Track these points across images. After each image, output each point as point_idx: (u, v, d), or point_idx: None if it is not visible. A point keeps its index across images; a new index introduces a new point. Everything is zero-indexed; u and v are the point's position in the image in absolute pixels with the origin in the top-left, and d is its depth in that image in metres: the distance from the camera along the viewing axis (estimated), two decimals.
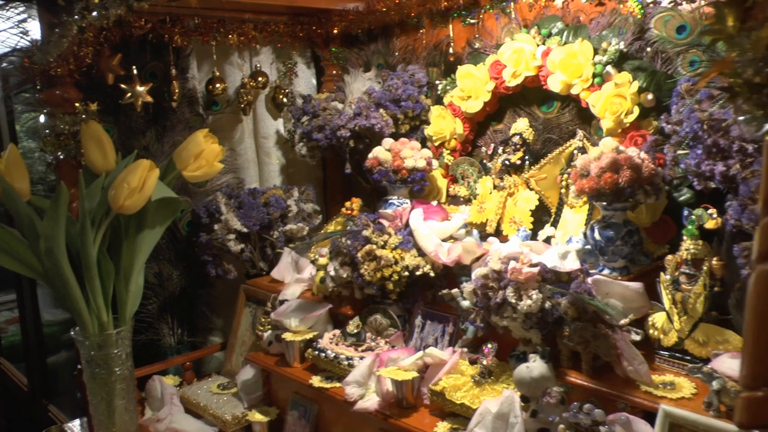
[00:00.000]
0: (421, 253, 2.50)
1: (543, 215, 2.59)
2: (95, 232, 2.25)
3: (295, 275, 2.93)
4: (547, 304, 2.02)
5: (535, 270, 2.04)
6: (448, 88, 2.93)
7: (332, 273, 2.63)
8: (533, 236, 2.49)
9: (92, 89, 2.78)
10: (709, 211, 1.93)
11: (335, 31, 3.33)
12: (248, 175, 3.49)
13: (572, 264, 2.09)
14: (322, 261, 2.73)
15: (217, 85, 3.24)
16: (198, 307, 3.35)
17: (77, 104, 2.61)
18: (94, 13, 2.33)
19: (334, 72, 3.47)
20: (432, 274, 2.47)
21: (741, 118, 0.94)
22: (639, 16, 2.40)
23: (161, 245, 3.12)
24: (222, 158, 2.82)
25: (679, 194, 2.24)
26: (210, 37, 3.17)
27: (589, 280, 2.06)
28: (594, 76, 2.40)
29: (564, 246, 2.20)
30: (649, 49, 2.36)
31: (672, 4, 2.36)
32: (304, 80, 3.61)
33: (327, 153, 3.19)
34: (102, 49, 2.78)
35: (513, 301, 2.03)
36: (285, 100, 3.46)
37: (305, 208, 3.22)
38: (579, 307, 2.00)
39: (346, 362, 2.43)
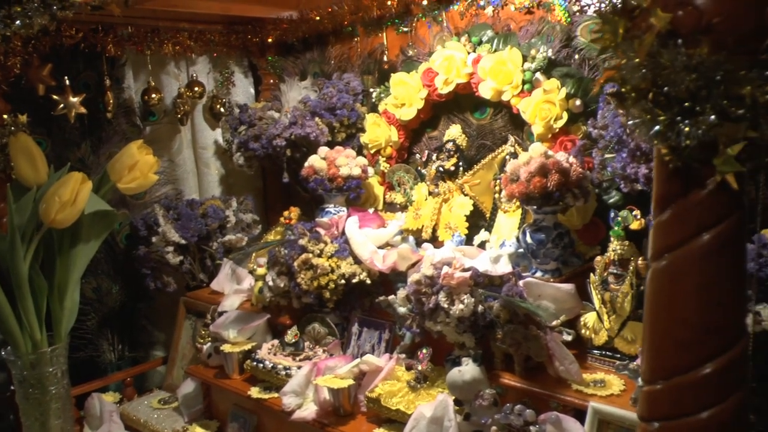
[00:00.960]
0: (357, 261, 2.51)
1: (479, 220, 2.62)
2: (26, 248, 2.20)
3: (234, 286, 2.91)
4: (479, 308, 2.04)
5: (467, 275, 2.06)
6: (382, 95, 2.95)
7: (270, 283, 2.62)
8: (468, 241, 2.50)
9: (22, 100, 2.72)
10: (634, 213, 1.97)
11: (270, 40, 3.33)
12: (187, 186, 3.45)
13: (504, 267, 2.12)
14: (261, 271, 2.72)
15: (153, 95, 3.20)
16: (139, 321, 3.31)
17: (5, 116, 2.55)
18: (18, 22, 2.28)
19: (272, 81, 3.47)
20: (368, 281, 2.48)
21: (631, 122, 0.96)
22: (566, 24, 2.45)
23: (99, 259, 3.07)
24: (157, 169, 2.79)
25: (608, 197, 2.28)
26: (144, 46, 3.14)
27: (521, 282, 2.08)
28: (524, 82, 2.44)
29: (496, 250, 2.23)
30: (576, 56, 2.42)
31: (596, 12, 2.42)
32: (242, 90, 3.60)
33: (265, 162, 3.16)
34: (31, 58, 2.72)
35: (445, 306, 2.04)
36: (222, 109, 3.45)
37: (244, 218, 3.20)
38: (510, 310, 2.03)
39: (283, 372, 2.42)
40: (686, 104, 0.92)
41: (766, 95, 0.89)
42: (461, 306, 2.03)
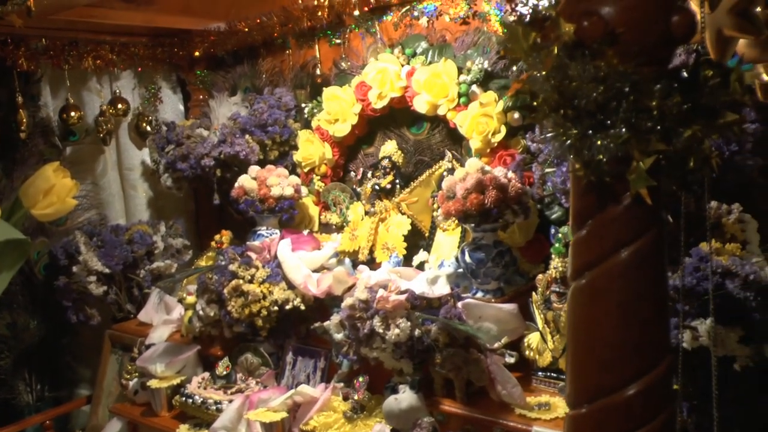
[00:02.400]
0: (291, 286, 2.48)
1: (417, 240, 2.62)
2: None
3: (163, 316, 2.86)
4: (417, 332, 2.03)
5: (403, 297, 2.05)
6: (314, 111, 2.94)
7: (200, 312, 2.57)
8: (408, 262, 2.51)
9: None
10: None
11: (198, 53, 3.30)
12: (113, 210, 3.37)
13: (442, 289, 2.12)
14: (190, 300, 2.67)
15: (72, 114, 3.13)
16: (61, 357, 3.21)
17: None
18: None
19: (201, 97, 3.44)
20: (303, 307, 2.45)
21: (543, 136, 0.97)
22: (502, 35, 2.47)
23: (13, 291, 2.98)
24: (77, 193, 2.73)
25: (551, 212, 2.29)
26: (62, 60, 3.07)
27: (459, 304, 2.08)
28: (459, 95, 2.46)
29: (434, 271, 2.24)
30: (514, 68, 2.43)
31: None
32: (171, 106, 3.56)
33: (195, 183, 3.12)
34: None
35: (381, 330, 2.03)
36: (149, 128, 3.39)
37: (174, 243, 3.15)
38: (449, 333, 2.03)
39: (214, 407, 2.38)
40: (597, 117, 0.93)
41: (675, 107, 0.90)
42: (397, 330, 2.01)
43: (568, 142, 0.95)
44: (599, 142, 0.93)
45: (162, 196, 3.49)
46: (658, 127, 0.91)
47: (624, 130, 0.91)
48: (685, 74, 0.93)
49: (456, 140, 2.62)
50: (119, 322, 3.08)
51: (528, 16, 0.99)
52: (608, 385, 1.01)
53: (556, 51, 0.93)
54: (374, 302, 2.07)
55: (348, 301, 2.12)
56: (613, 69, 0.90)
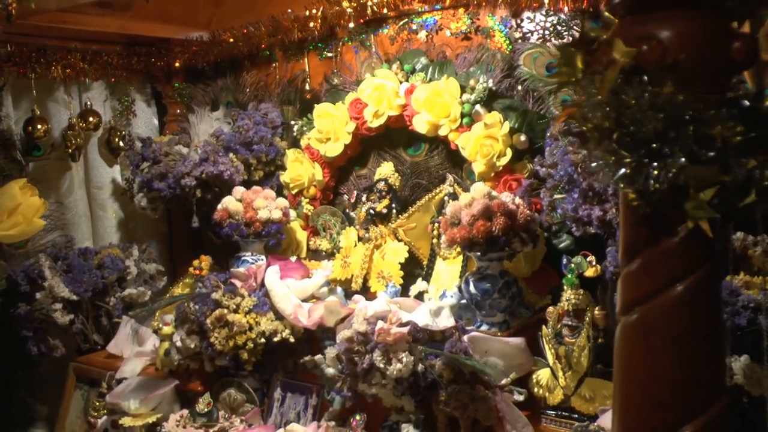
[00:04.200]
0: (279, 317, 2.47)
1: (414, 268, 2.63)
2: None
3: (135, 348, 2.81)
4: (420, 367, 2.02)
5: (405, 330, 2.03)
6: (304, 129, 2.95)
7: (178, 343, 2.54)
8: (404, 292, 2.50)
9: None
10: (588, 259, 2.01)
11: (177, 64, 3.30)
12: (79, 232, 3.33)
13: (446, 321, 2.11)
14: (167, 330, 2.63)
15: (39, 126, 3.07)
16: (16, 393, 3.13)
17: None
18: None
19: (179, 111, 3.43)
20: (292, 339, 2.44)
21: (594, 164, 0.99)
22: (507, 52, 2.51)
23: None
24: (44, 213, 2.69)
25: (559, 241, 2.31)
26: (28, 68, 3.04)
27: (465, 337, 2.09)
28: (462, 116, 2.48)
29: (437, 302, 2.23)
30: (519, 87, 2.47)
31: (540, 40, 2.49)
32: (145, 120, 3.53)
33: (172, 204, 3.09)
34: None
35: (381, 365, 2.01)
36: (122, 143, 3.35)
37: (147, 269, 3.11)
38: (455, 369, 2.01)
39: None
40: (654, 145, 0.95)
41: (737, 136, 0.92)
42: (399, 365, 2.00)
43: (623, 170, 0.96)
44: (656, 172, 0.95)
45: (133, 217, 3.46)
46: (719, 157, 0.93)
47: (683, 159, 0.93)
48: (746, 103, 0.95)
49: (456, 163, 2.64)
50: (85, 353, 3.03)
51: (577, 38, 1.01)
52: (660, 425, 1.02)
53: (612, 76, 0.95)
54: (374, 335, 2.06)
55: (345, 333, 2.10)
56: (673, 96, 0.93)
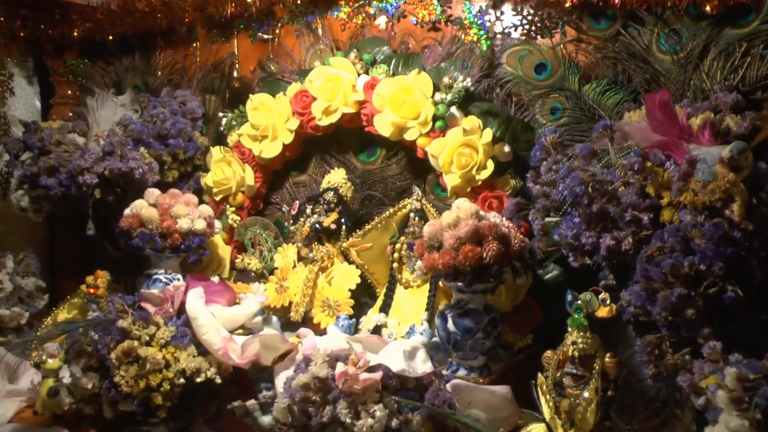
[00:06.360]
0: (202, 351, 2.26)
1: (363, 296, 2.50)
2: None
3: (6, 386, 2.56)
4: (394, 422, 1.84)
5: (377, 376, 1.86)
6: (234, 123, 2.77)
7: (67, 380, 2.28)
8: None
9: None
10: (601, 296, 1.87)
11: (75, 35, 3.06)
12: None
13: (422, 366, 1.96)
14: (52, 364, 2.39)
15: None
16: None
17: None
18: None
19: (69, 92, 3.22)
20: (218, 380, 2.24)
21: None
22: (485, 50, 2.41)
23: None
24: None
25: (545, 271, 2.21)
26: None
27: (449, 386, 1.93)
28: (435, 118, 2.34)
29: (408, 341, 2.08)
30: (499, 89, 2.38)
31: (524, 36, 2.38)
32: (24, 101, 3.29)
33: (60, 206, 2.86)
34: None
35: (348, 420, 1.83)
36: None
37: (24, 284, 2.85)
38: (437, 425, 1.86)
39: None
40: None
41: None
42: (370, 420, 1.82)
43: None
44: None
45: (4, 219, 3.16)
46: None
47: None
48: None
49: (419, 174, 2.54)
50: None
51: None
52: None
53: None
54: (336, 381, 1.86)
55: (301, 379, 1.90)
56: None
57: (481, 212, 2.07)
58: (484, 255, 1.96)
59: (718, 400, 1.52)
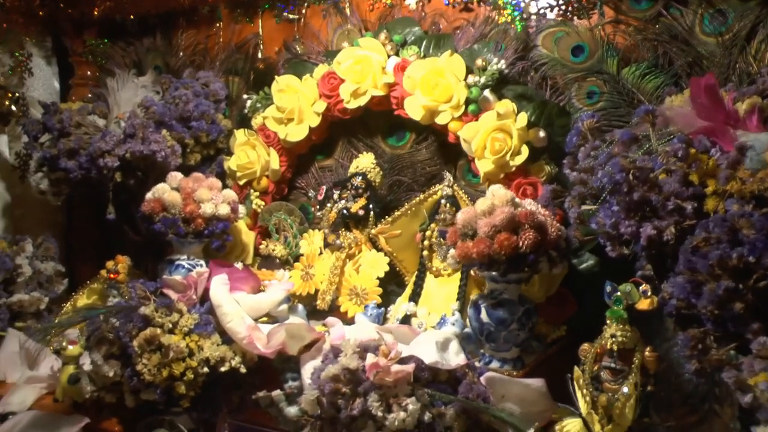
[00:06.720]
0: (226, 340, 2.25)
1: (391, 285, 2.45)
2: None
3: (26, 372, 2.54)
4: (426, 416, 1.83)
5: (409, 368, 1.84)
6: (258, 106, 2.74)
7: (87, 368, 2.28)
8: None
9: None
10: (642, 288, 1.83)
11: (95, 14, 3.05)
12: None
13: (456, 358, 1.96)
14: (73, 350, 2.35)
15: None
16: None
17: None
18: None
19: (89, 73, 3.21)
20: (243, 369, 2.22)
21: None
22: (519, 30, 2.38)
23: None
24: None
25: (580, 261, 2.18)
26: None
27: (482, 379, 1.90)
28: (468, 102, 2.30)
29: (440, 331, 2.06)
30: (534, 72, 2.34)
31: (560, 17, 2.35)
32: (43, 81, 3.31)
33: (79, 189, 2.86)
34: None
35: (379, 413, 1.81)
36: (13, 108, 3.11)
37: (43, 268, 2.86)
38: (470, 419, 1.84)
39: None
40: None
41: None
42: (402, 414, 1.80)
43: None
44: None
45: (22, 202, 3.21)
46: None
47: None
48: None
49: (449, 159, 2.51)
50: None
51: None
52: None
53: None
54: (367, 373, 1.85)
55: (331, 370, 1.88)
56: None
57: (517, 199, 2.02)
58: (520, 244, 1.90)
59: None
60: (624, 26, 2.25)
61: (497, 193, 2.02)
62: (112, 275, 2.61)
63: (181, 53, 3.03)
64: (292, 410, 2.06)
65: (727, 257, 1.60)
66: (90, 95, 3.07)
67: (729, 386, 1.66)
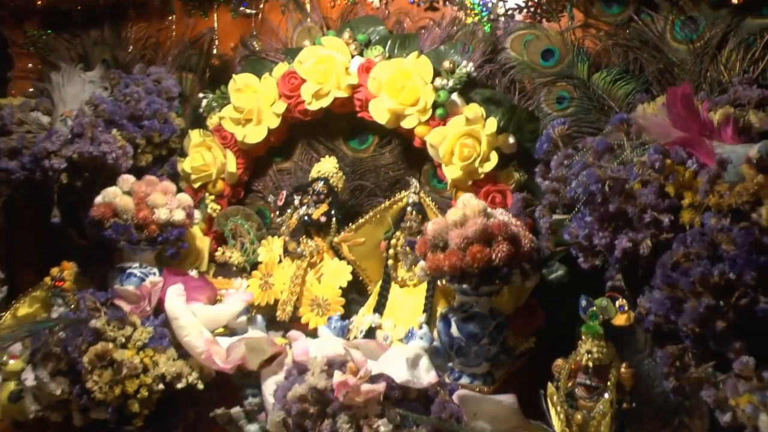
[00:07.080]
0: (182, 354, 2.19)
1: (349, 293, 2.41)
2: None
3: None
4: None
5: (380, 387, 1.80)
6: (214, 105, 2.67)
7: (29, 383, 2.18)
8: None
9: None
10: (618, 302, 1.82)
11: (38, 3, 2.97)
12: None
13: (427, 375, 1.90)
14: (14, 365, 2.27)
15: None
16: None
17: None
18: None
19: (30, 65, 3.13)
20: (200, 385, 2.18)
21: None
22: (487, 32, 2.36)
23: None
24: None
25: (549, 271, 2.16)
26: None
27: (455, 397, 1.85)
28: (435, 105, 2.26)
29: (410, 347, 2.02)
30: (502, 76, 2.32)
31: (528, 19, 2.34)
32: None
33: (21, 191, 2.74)
34: None
35: None
36: None
37: None
38: None
39: None
40: None
41: None
42: None
43: None
44: None
45: None
46: None
47: None
48: None
49: (414, 164, 2.48)
50: None
51: None
52: None
53: None
54: (336, 393, 1.80)
55: (297, 390, 1.85)
56: None
57: (489, 210, 1.99)
58: (494, 256, 1.87)
59: (762, 426, 1.46)
60: (594, 30, 2.23)
61: (469, 203, 1.98)
62: (57, 283, 2.49)
63: (131, 47, 2.96)
64: (252, 428, 2.07)
65: (708, 274, 1.59)
66: (32, 90, 2.97)
67: (699, 400, 1.66)
